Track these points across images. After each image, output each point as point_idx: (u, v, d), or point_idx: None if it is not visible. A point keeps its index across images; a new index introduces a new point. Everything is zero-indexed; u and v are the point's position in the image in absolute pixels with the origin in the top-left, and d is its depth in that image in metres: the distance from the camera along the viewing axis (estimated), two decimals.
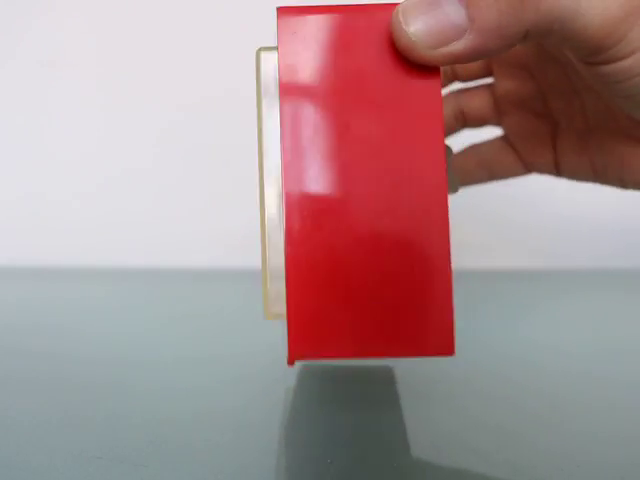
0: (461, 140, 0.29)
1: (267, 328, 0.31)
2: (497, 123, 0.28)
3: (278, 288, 0.17)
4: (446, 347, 0.17)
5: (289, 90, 0.17)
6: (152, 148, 0.52)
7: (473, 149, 0.28)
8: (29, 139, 0.52)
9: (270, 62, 0.20)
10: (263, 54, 0.20)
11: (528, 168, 0.28)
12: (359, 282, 0.17)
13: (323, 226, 0.17)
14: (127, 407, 0.22)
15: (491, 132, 0.28)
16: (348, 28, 0.17)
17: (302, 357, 0.17)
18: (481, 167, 0.28)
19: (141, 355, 0.29)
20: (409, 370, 0.26)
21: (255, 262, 0.49)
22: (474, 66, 0.26)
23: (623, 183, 0.24)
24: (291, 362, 0.17)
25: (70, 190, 0.52)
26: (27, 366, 0.27)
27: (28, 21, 0.52)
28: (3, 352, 0.29)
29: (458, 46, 0.16)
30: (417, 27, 0.16)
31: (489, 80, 0.27)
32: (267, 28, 0.51)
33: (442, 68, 0.17)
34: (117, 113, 0.52)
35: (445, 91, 0.28)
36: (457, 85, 0.28)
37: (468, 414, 0.22)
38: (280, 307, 0.18)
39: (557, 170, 0.27)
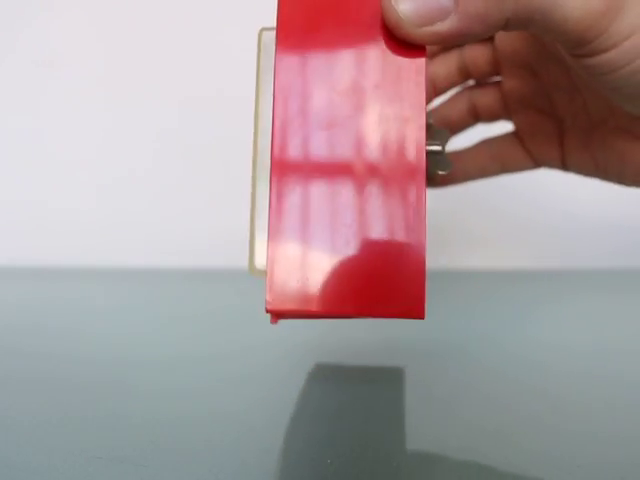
0: (474, 135, 0.29)
1: (267, 328, 0.31)
2: (508, 118, 0.29)
3: (264, 244, 0.18)
4: (417, 310, 0.17)
5: (284, 59, 0.18)
6: (151, 148, 0.52)
7: (485, 143, 0.29)
8: (27, 139, 0.52)
9: (271, 41, 0.21)
10: (265, 33, 0.21)
11: (537, 163, 0.28)
12: (339, 241, 0.17)
13: (308, 183, 0.18)
14: (127, 407, 0.22)
15: (504, 127, 0.29)
16: (341, 3, 0.18)
17: (278, 309, 0.17)
18: (493, 161, 0.29)
19: (141, 355, 0.29)
20: (411, 370, 0.26)
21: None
22: (484, 64, 0.27)
23: (622, 179, 0.25)
24: (271, 315, 0.18)
25: (70, 190, 0.52)
26: (27, 366, 0.27)
27: (24, 21, 0.52)
28: (3, 352, 0.29)
29: (442, 27, 0.17)
30: (406, 6, 0.17)
31: (499, 78, 0.28)
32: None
33: (430, 48, 0.19)
34: (116, 113, 0.52)
35: (459, 88, 0.29)
36: (471, 82, 0.29)
37: (468, 413, 0.22)
38: (263, 261, 0.18)
39: (564, 166, 0.27)
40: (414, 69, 0.18)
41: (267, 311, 0.18)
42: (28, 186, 0.52)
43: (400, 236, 0.17)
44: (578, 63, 0.20)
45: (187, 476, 0.17)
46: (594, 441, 0.20)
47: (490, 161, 0.29)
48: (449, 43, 0.18)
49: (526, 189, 0.49)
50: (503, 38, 0.26)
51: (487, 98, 0.28)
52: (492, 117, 0.29)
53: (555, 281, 0.46)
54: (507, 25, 0.18)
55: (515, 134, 0.28)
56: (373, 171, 0.18)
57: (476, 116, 0.29)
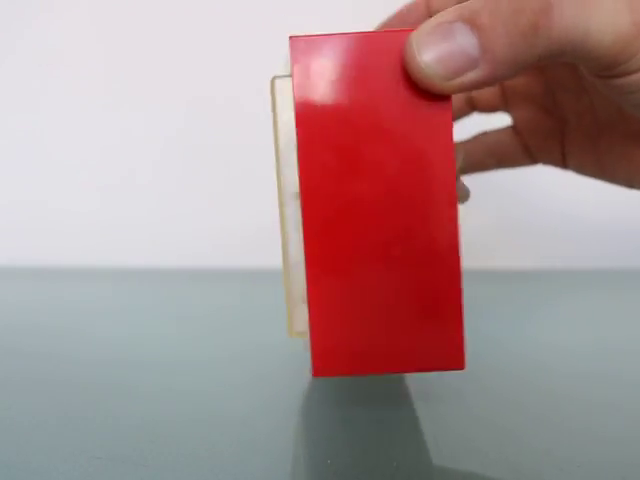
0: (470, 127, 0.29)
1: (267, 328, 0.31)
2: (506, 111, 0.28)
3: (301, 308, 0.18)
4: (457, 361, 0.18)
5: (304, 117, 0.17)
6: (152, 148, 0.52)
7: (482, 137, 0.29)
8: (28, 139, 0.52)
9: (285, 89, 0.21)
10: (278, 82, 0.21)
11: (535, 159, 0.28)
12: (375, 301, 0.17)
13: (340, 248, 0.17)
14: (127, 407, 0.22)
15: (502, 120, 0.29)
16: (360, 54, 0.17)
17: (324, 374, 0.17)
18: (489, 155, 0.28)
19: (141, 355, 0.29)
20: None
21: (255, 262, 0.49)
22: None
23: (631, 183, 0.24)
24: (316, 375, 0.18)
25: (70, 190, 0.52)
26: (27, 366, 0.27)
27: (25, 20, 0.52)
28: (3, 352, 0.29)
29: (471, 76, 0.17)
30: (431, 58, 0.17)
31: None
32: (269, 33, 0.51)
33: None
34: (116, 113, 0.52)
35: None
36: None
37: (469, 413, 0.22)
38: (302, 326, 0.18)
39: (564, 164, 0.27)
40: (440, 114, 0.17)
41: (314, 376, 0.17)
42: (28, 186, 0.52)
43: (436, 292, 0.17)
44: (603, 83, 0.19)
45: (187, 476, 0.17)
46: (594, 441, 0.20)
47: (486, 155, 0.28)
48: (476, 89, 0.18)
49: (526, 190, 0.49)
50: None
51: (485, 91, 0.28)
52: (490, 108, 0.28)
53: (555, 281, 0.46)
54: (538, 62, 0.17)
55: (513, 128, 0.28)
56: (405, 228, 0.17)
57: (473, 106, 0.28)
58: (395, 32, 0.17)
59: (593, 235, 0.52)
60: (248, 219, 0.49)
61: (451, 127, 0.17)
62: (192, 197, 0.52)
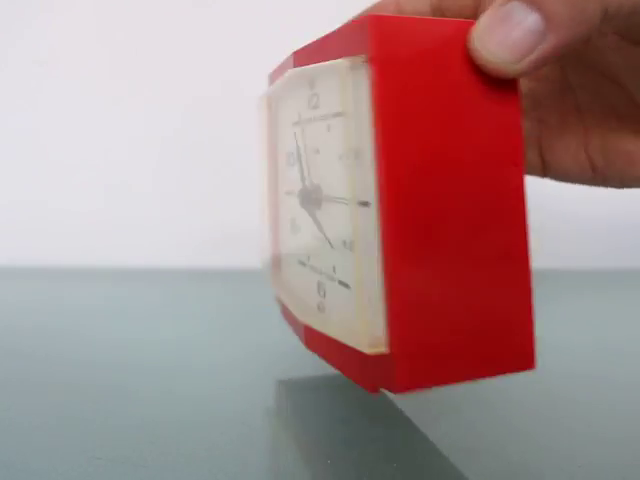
0: None
1: (267, 328, 0.31)
2: None
3: (376, 320, 0.16)
4: (528, 361, 0.17)
5: (386, 106, 0.16)
6: (152, 148, 0.52)
7: None
8: (28, 139, 0.52)
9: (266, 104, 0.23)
10: (264, 98, 0.22)
11: None
12: (454, 303, 0.16)
13: (422, 247, 0.16)
14: (126, 408, 0.22)
15: None
16: (433, 40, 0.16)
17: (409, 389, 0.16)
18: None
19: (140, 356, 0.29)
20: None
21: (254, 262, 0.49)
22: None
23: (623, 182, 0.24)
24: (400, 392, 0.16)
25: (70, 190, 0.52)
26: (27, 367, 0.27)
27: (24, 20, 0.52)
28: (3, 353, 0.29)
29: (542, 50, 0.16)
30: (497, 48, 0.16)
31: None
32: (268, 32, 0.51)
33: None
34: (116, 113, 0.52)
35: None
36: None
37: (468, 414, 0.22)
38: (377, 339, 0.16)
39: (543, 171, 0.26)
40: (508, 101, 0.17)
41: (396, 392, 0.16)
42: (28, 186, 0.52)
43: (508, 292, 0.17)
44: (634, 52, 0.18)
45: (187, 477, 0.17)
46: (595, 441, 0.20)
47: None
48: (552, 62, 0.17)
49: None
50: None
51: None
52: None
53: (553, 281, 0.46)
54: (605, 17, 0.16)
55: None
56: (478, 225, 0.17)
57: None
58: (462, 22, 0.17)
59: (592, 235, 0.51)
60: (248, 219, 0.49)
61: (519, 115, 0.17)
62: (192, 197, 0.52)
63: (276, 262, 0.27)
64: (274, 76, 0.25)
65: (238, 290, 0.42)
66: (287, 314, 0.25)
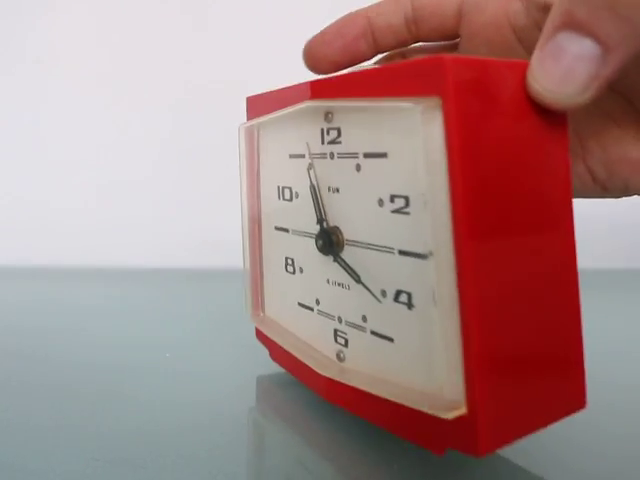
0: None
1: None
2: None
3: (450, 382, 0.15)
4: (581, 402, 0.17)
5: (464, 144, 0.15)
6: (151, 149, 0.52)
7: None
8: (27, 140, 0.52)
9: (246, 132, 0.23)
10: (242, 127, 0.23)
11: None
12: (523, 367, 0.16)
13: (500, 304, 0.15)
14: (125, 409, 0.22)
15: None
16: (496, 80, 0.16)
17: (493, 449, 0.16)
18: None
19: (140, 356, 0.29)
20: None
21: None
22: None
23: (627, 190, 0.23)
24: (483, 454, 0.16)
25: (70, 190, 0.52)
26: (26, 368, 0.27)
27: (26, 21, 0.52)
28: (3, 353, 0.29)
29: (605, 74, 0.16)
30: (559, 84, 0.16)
31: None
32: (266, 35, 0.51)
33: None
34: (116, 114, 0.52)
35: None
36: None
37: None
38: (455, 403, 0.15)
39: None
40: (558, 133, 0.17)
41: (477, 456, 0.15)
42: (28, 186, 0.52)
43: (563, 337, 0.17)
44: None
45: (186, 477, 0.17)
46: (595, 441, 0.20)
47: None
48: (616, 79, 0.16)
49: None
50: (480, 48, 0.23)
51: None
52: None
53: None
54: None
55: None
56: (540, 277, 0.16)
57: None
58: (520, 63, 0.16)
59: (591, 235, 0.51)
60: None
61: (567, 145, 0.17)
62: (192, 197, 0.52)
63: (258, 300, 0.26)
64: (257, 103, 0.24)
65: (238, 290, 0.42)
66: (281, 355, 0.24)
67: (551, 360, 0.17)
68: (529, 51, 0.21)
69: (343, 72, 0.24)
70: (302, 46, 0.24)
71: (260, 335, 0.26)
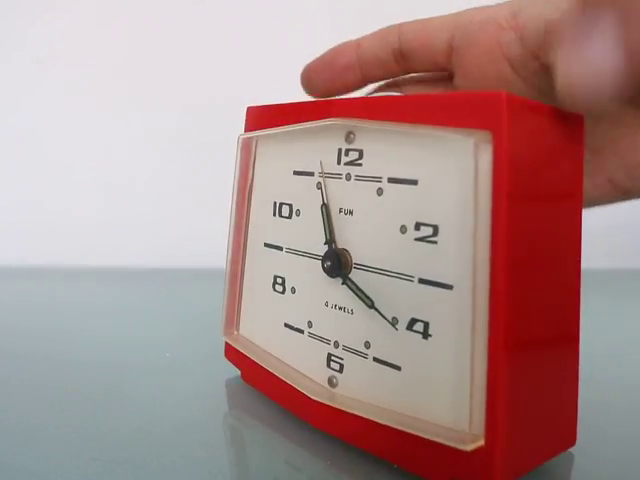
0: None
1: None
2: None
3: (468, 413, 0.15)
4: (572, 440, 0.18)
5: (515, 192, 0.15)
6: (151, 149, 0.52)
7: None
8: (28, 140, 0.52)
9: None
10: (242, 138, 0.23)
11: None
12: (533, 401, 0.16)
13: (523, 339, 0.16)
14: (125, 409, 0.22)
15: None
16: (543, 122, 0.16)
17: None
18: None
19: (140, 356, 0.29)
20: None
21: None
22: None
23: (632, 194, 0.23)
24: None
25: (70, 191, 0.52)
26: (26, 367, 0.27)
27: (26, 20, 0.52)
28: (3, 353, 0.29)
29: (621, 78, 0.16)
30: (573, 89, 0.16)
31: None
32: (267, 40, 0.51)
33: None
34: (116, 114, 0.52)
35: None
36: None
37: None
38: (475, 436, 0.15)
39: None
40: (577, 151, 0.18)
41: None
42: (28, 186, 0.52)
43: (562, 378, 0.18)
44: None
45: (186, 477, 0.17)
46: (594, 441, 0.20)
47: None
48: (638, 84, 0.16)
49: None
50: (477, 83, 0.23)
51: None
52: None
53: None
54: None
55: None
56: (550, 310, 0.17)
57: None
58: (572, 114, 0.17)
59: (590, 235, 0.51)
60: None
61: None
62: (192, 197, 0.52)
63: (233, 317, 0.25)
64: (258, 114, 0.24)
65: None
66: (255, 377, 0.23)
67: (555, 398, 0.17)
68: (527, 83, 0.21)
69: (369, 94, 0.24)
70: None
71: (231, 354, 0.25)
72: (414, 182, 0.17)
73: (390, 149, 0.18)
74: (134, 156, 0.52)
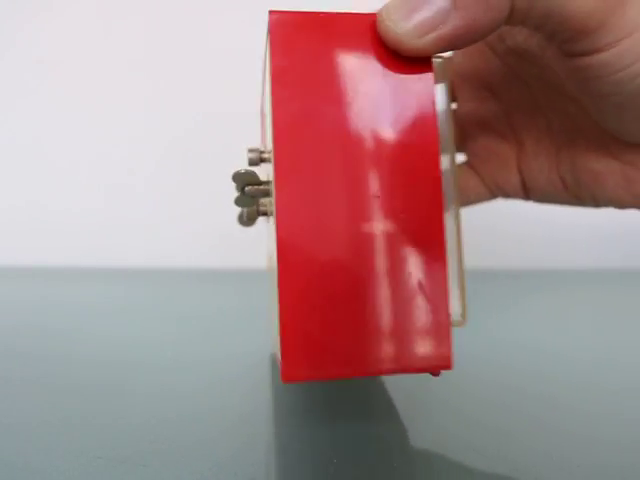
0: None
1: (265, 327, 0.31)
2: (462, 149, 0.27)
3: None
4: (444, 360, 0.16)
5: (283, 93, 0.16)
6: (152, 149, 0.52)
7: None
8: (28, 141, 0.52)
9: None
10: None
11: (493, 192, 0.27)
12: (351, 302, 0.16)
13: (316, 236, 0.16)
14: (127, 407, 0.22)
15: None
16: (339, 32, 0.17)
17: (295, 380, 0.16)
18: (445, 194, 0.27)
19: (140, 355, 0.29)
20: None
21: (252, 263, 0.49)
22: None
23: (596, 201, 0.24)
24: (285, 382, 0.16)
25: (70, 191, 0.52)
26: (27, 367, 0.27)
27: (26, 20, 0.52)
28: (3, 353, 0.29)
29: (445, 29, 0.16)
30: (400, 19, 0.16)
31: (453, 106, 0.27)
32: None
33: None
34: (115, 114, 0.52)
35: None
36: None
37: (468, 414, 0.22)
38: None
39: (524, 192, 0.26)
40: (422, 88, 0.17)
41: (283, 382, 0.16)
42: (28, 186, 0.52)
43: (421, 286, 0.16)
44: (571, 64, 0.19)
45: (187, 476, 0.18)
46: (594, 441, 0.20)
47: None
48: (457, 47, 0.17)
49: None
50: (465, 57, 0.25)
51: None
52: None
53: (552, 281, 0.46)
54: (510, 15, 0.17)
55: (468, 164, 0.27)
56: (385, 207, 0.16)
57: None
58: (369, 14, 0.17)
59: (592, 234, 0.51)
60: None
61: (433, 94, 0.17)
62: (192, 197, 0.52)
63: None
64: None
65: (238, 290, 0.42)
66: None
67: (393, 294, 0.16)
68: (503, 61, 0.24)
69: None
70: None
71: None
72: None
73: None
74: (134, 156, 0.52)
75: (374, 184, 0.16)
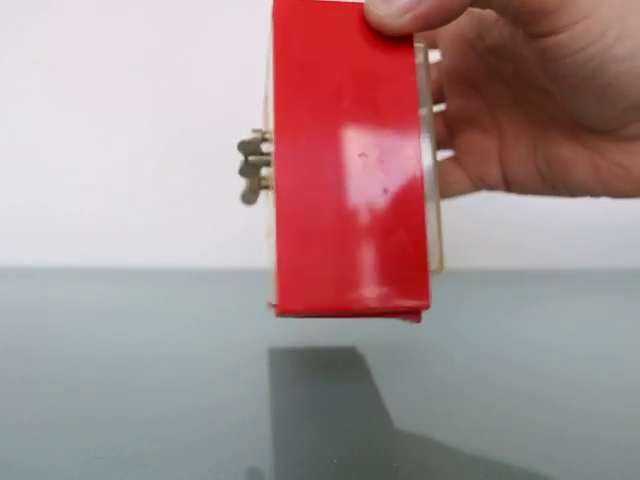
0: None
1: (265, 327, 0.31)
2: (450, 146, 0.29)
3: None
4: (422, 297, 0.18)
5: (285, 73, 0.18)
6: (152, 149, 0.52)
7: None
8: (28, 141, 0.52)
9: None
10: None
11: (477, 185, 0.28)
12: (344, 240, 0.18)
13: (311, 186, 0.18)
14: (127, 407, 0.22)
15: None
16: (336, 18, 0.19)
17: (289, 312, 0.17)
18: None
19: (140, 355, 0.29)
20: (409, 370, 0.26)
21: (251, 263, 0.49)
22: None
23: (569, 190, 0.24)
24: (280, 314, 0.17)
25: (70, 191, 0.52)
26: (27, 366, 0.27)
27: (26, 20, 0.52)
28: (3, 353, 0.29)
29: (422, 7, 0.18)
30: (381, 3, 0.18)
31: (442, 106, 0.29)
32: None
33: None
34: (115, 115, 0.52)
35: None
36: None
37: (468, 414, 0.22)
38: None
39: (505, 185, 0.27)
40: (404, 64, 0.19)
41: (277, 315, 0.17)
42: (28, 187, 0.52)
43: (402, 235, 0.18)
44: (534, 47, 0.20)
45: (187, 476, 0.18)
46: (594, 442, 0.20)
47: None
48: (432, 24, 0.18)
49: None
50: (451, 58, 0.26)
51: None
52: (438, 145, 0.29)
53: (551, 281, 0.46)
54: None
55: (454, 158, 0.28)
56: (372, 169, 0.18)
57: None
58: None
59: (593, 235, 0.52)
60: (249, 220, 0.49)
61: (414, 73, 0.19)
62: (192, 197, 0.52)
63: None
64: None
65: (238, 290, 0.42)
66: None
67: (377, 233, 0.18)
68: (482, 60, 0.25)
69: None
70: None
71: None
72: None
73: None
74: (134, 156, 0.52)
75: (361, 145, 0.18)
